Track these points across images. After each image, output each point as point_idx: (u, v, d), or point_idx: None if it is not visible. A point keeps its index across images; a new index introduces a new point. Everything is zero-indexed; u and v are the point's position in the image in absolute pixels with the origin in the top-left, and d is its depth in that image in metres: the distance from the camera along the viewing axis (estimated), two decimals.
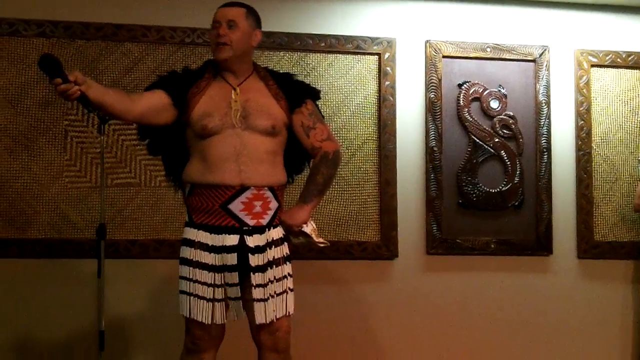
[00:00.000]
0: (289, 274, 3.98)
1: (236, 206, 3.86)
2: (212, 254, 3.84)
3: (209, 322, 3.82)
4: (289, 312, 3.96)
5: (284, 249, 3.98)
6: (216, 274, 3.83)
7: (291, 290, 3.98)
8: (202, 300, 3.82)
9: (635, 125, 5.97)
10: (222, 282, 3.83)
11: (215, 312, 3.83)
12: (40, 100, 5.26)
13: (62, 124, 5.28)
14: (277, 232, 3.96)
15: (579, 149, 5.88)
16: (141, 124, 3.97)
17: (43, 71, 3.57)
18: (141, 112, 3.86)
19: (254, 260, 3.85)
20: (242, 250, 3.85)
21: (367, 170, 5.62)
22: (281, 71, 4.33)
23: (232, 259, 3.83)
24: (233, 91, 3.96)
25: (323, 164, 4.07)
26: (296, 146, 4.09)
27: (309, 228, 4.01)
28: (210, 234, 3.87)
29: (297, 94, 4.11)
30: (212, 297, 3.81)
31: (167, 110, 3.92)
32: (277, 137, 4.00)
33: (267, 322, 3.86)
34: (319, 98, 4.22)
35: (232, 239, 3.85)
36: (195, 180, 3.90)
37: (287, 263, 3.99)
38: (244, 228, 3.87)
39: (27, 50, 5.28)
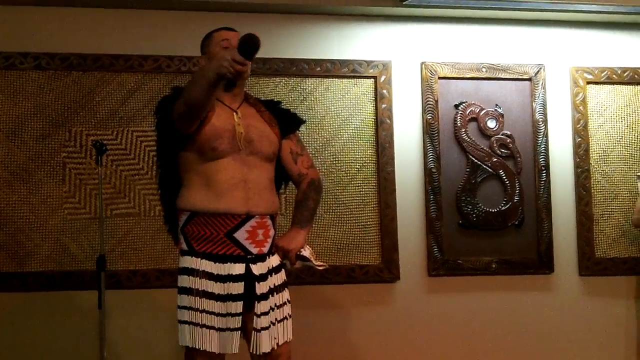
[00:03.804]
0: (288, 300, 3.98)
1: (241, 235, 3.84)
2: (217, 282, 3.81)
3: (219, 352, 3.79)
4: (289, 338, 3.95)
5: (283, 276, 3.98)
6: (222, 303, 3.81)
7: (290, 316, 3.98)
8: (209, 330, 3.78)
9: (633, 141, 5.98)
10: (227, 312, 3.80)
11: (222, 342, 3.80)
12: (37, 132, 5.27)
13: (60, 156, 5.28)
14: (275, 260, 3.96)
15: (577, 166, 5.88)
16: (199, 119, 3.81)
17: (244, 47, 3.54)
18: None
19: (260, 288, 3.85)
20: (247, 279, 3.84)
21: (367, 194, 5.62)
22: (268, 98, 4.33)
23: (238, 287, 3.81)
24: (235, 115, 3.95)
25: (312, 190, 4.09)
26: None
27: (307, 252, 4.00)
28: (215, 262, 3.83)
29: (288, 121, 4.14)
30: (219, 326, 3.79)
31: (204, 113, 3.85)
32: (273, 163, 4.02)
33: (268, 350, 3.84)
34: (299, 127, 4.23)
35: (239, 268, 3.83)
36: (199, 208, 3.86)
37: (286, 289, 3.99)
38: (248, 256, 3.86)
39: (24, 83, 5.29)
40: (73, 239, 5.26)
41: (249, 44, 3.55)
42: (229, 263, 3.83)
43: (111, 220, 5.29)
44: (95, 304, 4.75)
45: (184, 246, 3.91)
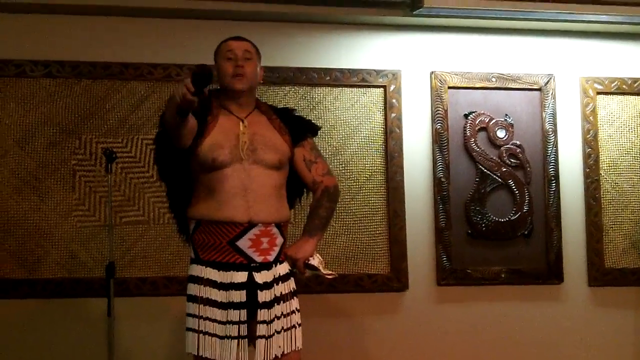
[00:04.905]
0: (296, 308, 3.97)
1: (244, 243, 3.85)
2: (221, 290, 3.83)
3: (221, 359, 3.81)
4: (298, 347, 3.94)
5: (291, 284, 3.98)
6: (225, 311, 3.81)
7: (299, 325, 3.97)
8: (212, 337, 3.80)
9: None
10: (229, 320, 3.81)
11: (225, 350, 3.80)
12: (47, 140, 5.28)
13: (70, 163, 5.29)
14: (283, 268, 3.95)
15: (587, 176, 5.87)
16: (183, 139, 3.82)
17: (195, 78, 3.52)
18: (192, 126, 3.81)
19: (262, 296, 3.85)
20: (250, 287, 3.85)
21: (376, 203, 5.62)
22: (280, 106, 4.33)
23: (240, 296, 3.82)
24: (241, 123, 3.95)
25: (325, 198, 4.07)
26: (290, 182, 4.10)
27: (315, 261, 3.99)
28: (218, 271, 3.85)
29: (300, 128, 4.13)
30: (223, 334, 3.80)
31: (194, 132, 3.86)
32: (282, 172, 4.01)
33: (271, 358, 3.84)
34: (317, 134, 4.23)
35: (241, 276, 3.84)
36: (203, 217, 3.88)
37: (295, 298, 3.98)
38: (252, 265, 3.87)
39: (34, 91, 5.30)
40: (82, 247, 5.27)
41: (203, 77, 3.52)
42: (231, 271, 3.84)
43: (120, 227, 5.30)
44: (104, 311, 4.76)
45: (192, 254, 3.94)
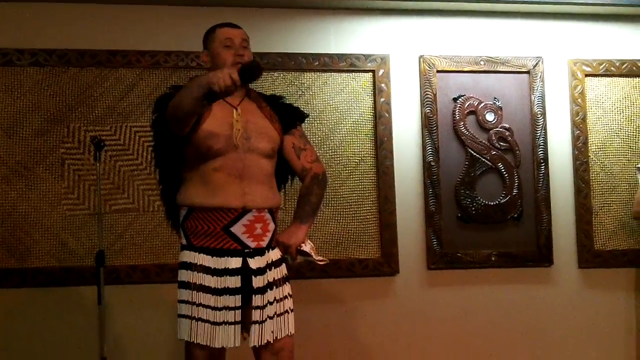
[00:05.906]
0: (289, 294, 3.99)
1: (238, 229, 3.86)
2: (214, 277, 3.83)
3: (214, 346, 3.80)
4: (291, 332, 3.96)
5: (283, 270, 4.00)
6: (218, 297, 3.82)
7: (291, 310, 3.99)
8: (206, 324, 3.80)
9: (631, 133, 5.97)
10: (224, 306, 3.81)
11: (219, 335, 3.81)
12: (35, 129, 5.26)
13: (58, 152, 5.27)
14: (275, 254, 3.97)
15: (576, 158, 5.88)
16: (189, 124, 3.81)
17: (246, 73, 3.59)
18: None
19: (257, 282, 3.85)
20: (244, 272, 3.85)
21: (366, 188, 5.62)
22: (269, 93, 4.33)
23: (235, 281, 3.83)
24: (235, 111, 3.95)
25: (315, 184, 4.11)
26: (276, 169, 4.10)
27: (307, 247, 4.01)
28: (212, 257, 3.85)
29: (289, 116, 4.14)
30: (216, 320, 3.80)
31: (195, 118, 3.86)
32: (273, 159, 4.03)
33: (264, 343, 3.85)
34: (304, 121, 4.24)
35: (235, 262, 3.85)
36: (196, 204, 3.88)
37: (287, 283, 4.00)
38: (246, 250, 3.87)
39: (22, 80, 5.28)
40: (72, 235, 5.26)
41: (253, 73, 3.63)
42: (225, 257, 3.84)
43: (110, 215, 5.29)
44: (95, 299, 4.75)
45: (184, 241, 3.94)
